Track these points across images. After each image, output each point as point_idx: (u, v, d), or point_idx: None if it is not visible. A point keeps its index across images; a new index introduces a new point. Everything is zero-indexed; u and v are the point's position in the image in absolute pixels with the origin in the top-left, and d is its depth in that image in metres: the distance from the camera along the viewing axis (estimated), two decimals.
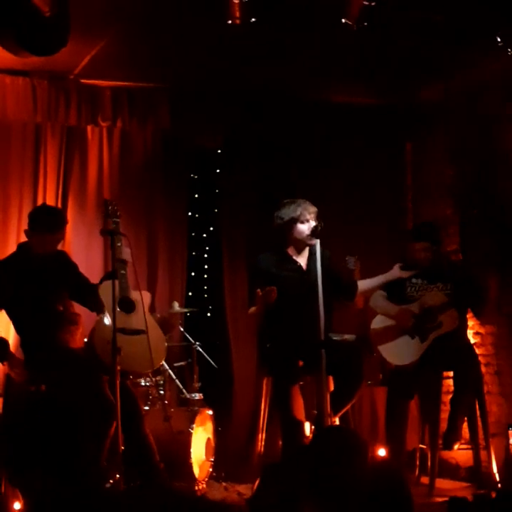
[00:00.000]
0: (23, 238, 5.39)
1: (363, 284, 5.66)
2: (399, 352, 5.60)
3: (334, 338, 5.66)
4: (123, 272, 5.07)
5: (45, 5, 4.48)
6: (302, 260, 5.47)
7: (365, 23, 5.10)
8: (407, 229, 7.06)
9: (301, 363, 5.32)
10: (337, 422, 5.24)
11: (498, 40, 5.45)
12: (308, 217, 5.35)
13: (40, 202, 6.23)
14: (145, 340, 4.90)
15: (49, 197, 6.36)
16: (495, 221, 6.22)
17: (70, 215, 6.43)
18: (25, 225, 5.25)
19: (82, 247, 6.50)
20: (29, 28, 4.47)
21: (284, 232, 5.42)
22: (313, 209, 5.39)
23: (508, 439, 5.47)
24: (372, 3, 5.00)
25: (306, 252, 5.47)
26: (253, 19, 5.10)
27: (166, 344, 5.36)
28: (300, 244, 5.45)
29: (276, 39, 5.71)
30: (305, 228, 5.36)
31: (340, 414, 5.26)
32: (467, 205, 6.55)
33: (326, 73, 6.37)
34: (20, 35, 4.50)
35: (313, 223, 5.30)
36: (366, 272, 6.52)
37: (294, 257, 5.47)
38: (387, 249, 6.97)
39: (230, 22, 5.08)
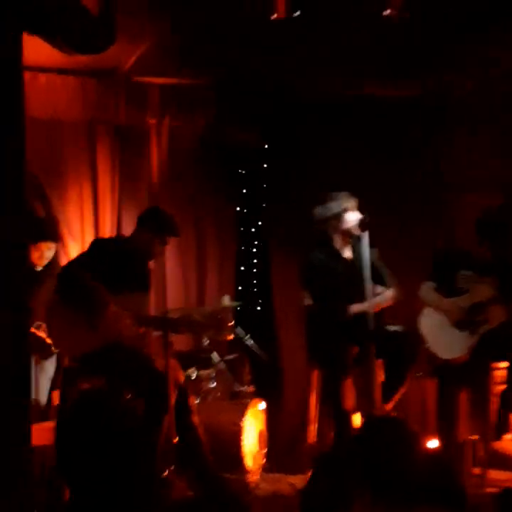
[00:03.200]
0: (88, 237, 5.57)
1: (425, 297, 5.71)
2: (448, 345, 5.58)
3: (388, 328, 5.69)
4: None
5: (94, 4, 4.56)
6: (347, 253, 5.58)
7: (408, 14, 5.09)
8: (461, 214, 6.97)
9: (355, 351, 5.38)
10: (389, 410, 5.28)
11: None
12: (352, 208, 5.52)
13: (101, 201, 6.38)
14: None
15: (107, 195, 6.49)
16: None
17: (123, 212, 6.56)
18: (89, 223, 5.35)
19: None
20: (78, 28, 4.54)
21: (331, 225, 5.55)
22: (355, 201, 5.55)
23: None
24: None
25: (349, 246, 5.62)
26: (296, 13, 5.12)
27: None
28: (346, 237, 5.57)
29: (317, 32, 5.69)
30: (353, 219, 5.49)
31: (391, 403, 5.30)
32: None
33: (366, 66, 6.32)
34: (69, 34, 4.58)
35: (358, 214, 5.43)
36: (408, 266, 6.56)
37: (340, 251, 5.58)
38: (429, 240, 6.95)
39: (275, 16, 5.11)
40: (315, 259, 5.64)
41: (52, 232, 6.11)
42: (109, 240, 5.61)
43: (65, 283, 5.04)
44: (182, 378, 5.13)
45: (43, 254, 5.88)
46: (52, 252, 5.96)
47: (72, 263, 5.21)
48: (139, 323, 5.10)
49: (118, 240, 5.63)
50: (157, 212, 5.51)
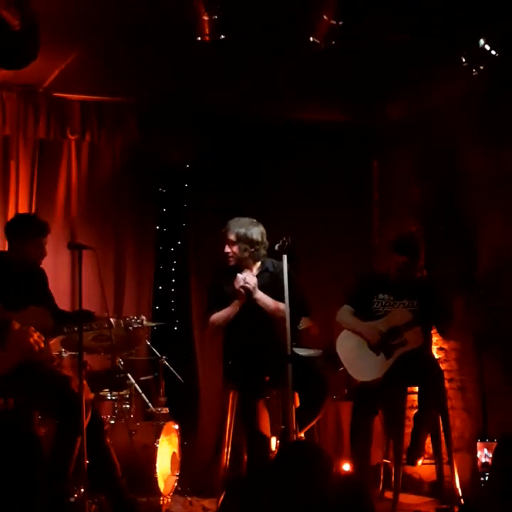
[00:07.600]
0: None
1: (342, 320, 5.75)
2: (364, 368, 5.62)
3: (300, 353, 5.70)
4: None
5: (15, 19, 4.49)
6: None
7: (333, 42, 5.16)
8: (382, 241, 7.09)
9: (267, 378, 5.36)
10: (302, 437, 5.27)
11: (463, 60, 5.53)
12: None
13: (11, 215, 6.22)
14: None
15: (21, 210, 6.36)
16: (458, 238, 6.28)
17: None
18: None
19: (49, 261, 6.46)
20: None
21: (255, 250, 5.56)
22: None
23: (476, 452, 5.50)
24: (340, 23, 5.06)
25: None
26: (222, 36, 5.14)
27: None
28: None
29: (244, 56, 5.75)
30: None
31: (305, 429, 5.30)
32: (432, 223, 6.60)
33: (293, 91, 6.42)
34: None
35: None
36: (330, 289, 6.63)
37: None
38: (352, 265, 7.04)
39: (199, 39, 5.11)
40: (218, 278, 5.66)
41: None
42: None
43: None
44: (91, 398, 5.05)
45: None
46: None
47: None
48: (46, 334, 4.96)
49: None
50: (15, 218, 5.42)
